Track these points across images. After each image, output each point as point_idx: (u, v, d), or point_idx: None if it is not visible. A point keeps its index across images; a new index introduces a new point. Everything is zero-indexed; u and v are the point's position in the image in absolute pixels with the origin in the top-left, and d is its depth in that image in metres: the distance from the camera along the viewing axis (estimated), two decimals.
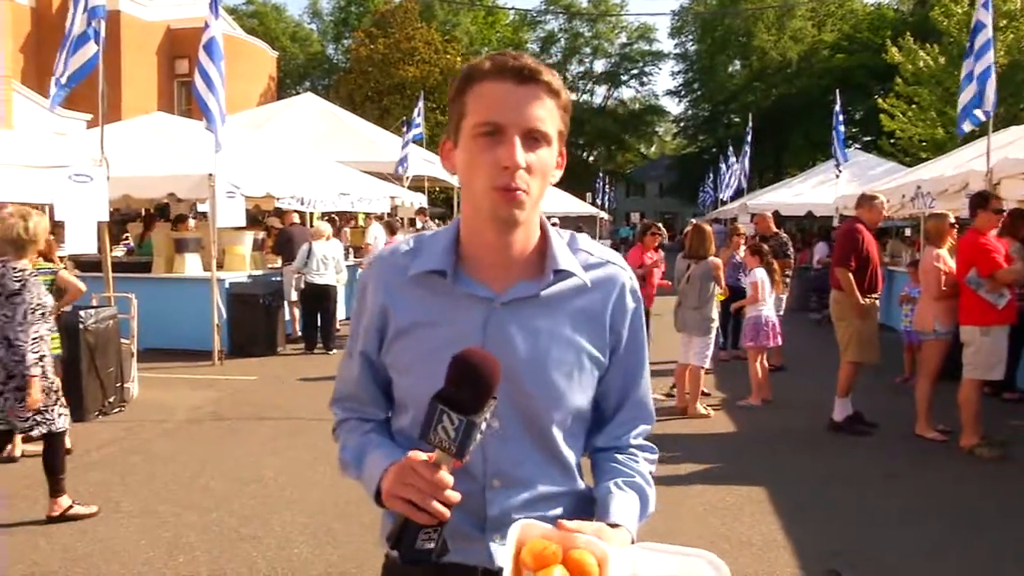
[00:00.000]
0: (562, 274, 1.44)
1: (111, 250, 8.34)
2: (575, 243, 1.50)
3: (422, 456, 1.20)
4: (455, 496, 1.19)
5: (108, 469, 5.80)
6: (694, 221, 8.26)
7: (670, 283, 8.75)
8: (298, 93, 31.37)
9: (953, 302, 6.42)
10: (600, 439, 1.55)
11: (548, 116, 1.35)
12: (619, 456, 1.53)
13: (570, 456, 1.50)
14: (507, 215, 1.35)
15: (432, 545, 1.21)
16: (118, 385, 7.51)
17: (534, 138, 1.34)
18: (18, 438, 5.40)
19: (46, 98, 7.85)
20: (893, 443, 6.65)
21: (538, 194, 1.37)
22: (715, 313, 7.56)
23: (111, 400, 7.38)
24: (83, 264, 9.39)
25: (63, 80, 7.63)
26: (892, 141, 23.02)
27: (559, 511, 1.45)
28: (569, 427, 1.47)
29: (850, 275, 6.71)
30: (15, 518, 4.85)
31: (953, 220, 7.07)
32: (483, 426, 1.18)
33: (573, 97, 64.01)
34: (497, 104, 1.33)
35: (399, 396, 1.50)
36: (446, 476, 1.19)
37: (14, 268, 4.73)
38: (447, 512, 1.19)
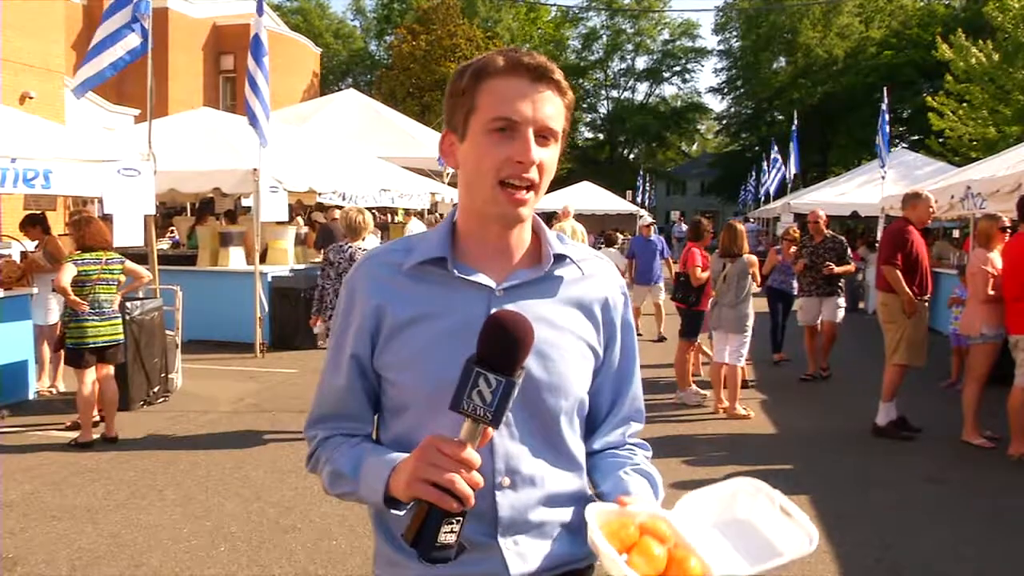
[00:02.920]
0: (560, 260, 1.45)
1: (156, 243, 8.51)
2: (563, 239, 1.51)
3: (446, 436, 1.16)
4: (479, 479, 1.15)
5: (152, 458, 5.91)
6: (730, 221, 8.15)
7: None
8: (340, 89, 31.66)
9: (1000, 305, 6.26)
10: (597, 442, 1.54)
11: (557, 115, 1.36)
12: (618, 451, 1.53)
13: (575, 450, 1.48)
14: (513, 214, 1.36)
15: (453, 539, 1.15)
16: (162, 376, 7.66)
17: (544, 136, 1.34)
18: None
19: (95, 94, 7.95)
20: (938, 449, 6.52)
21: (542, 191, 1.39)
22: (751, 311, 7.49)
23: (155, 390, 7.54)
24: (130, 257, 9.57)
25: (91, 69, 7.75)
26: (941, 140, 22.49)
27: (571, 510, 1.43)
28: (573, 419, 1.46)
29: (897, 272, 6.56)
30: (63, 505, 4.97)
31: (1007, 223, 6.88)
32: (515, 392, 1.13)
33: (614, 94, 63.89)
34: (512, 100, 1.32)
35: (397, 398, 1.43)
36: (474, 454, 1.14)
37: (360, 248, 6.26)
38: (472, 496, 1.14)
